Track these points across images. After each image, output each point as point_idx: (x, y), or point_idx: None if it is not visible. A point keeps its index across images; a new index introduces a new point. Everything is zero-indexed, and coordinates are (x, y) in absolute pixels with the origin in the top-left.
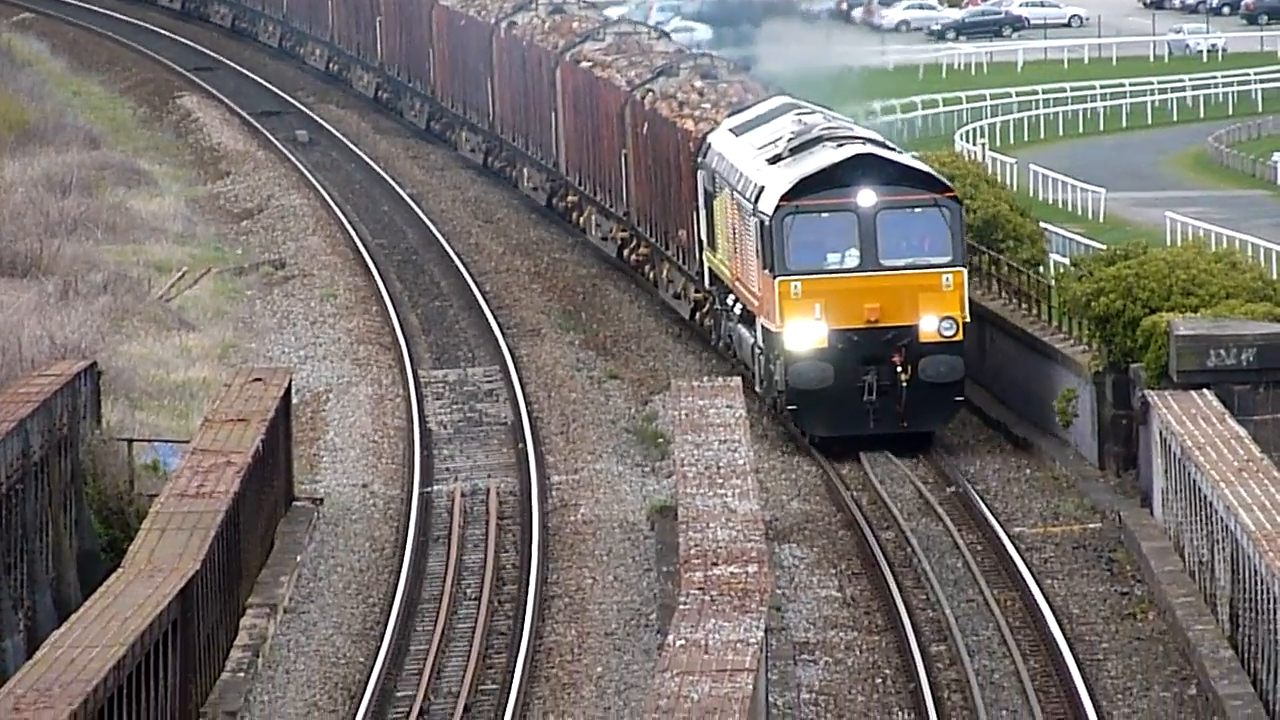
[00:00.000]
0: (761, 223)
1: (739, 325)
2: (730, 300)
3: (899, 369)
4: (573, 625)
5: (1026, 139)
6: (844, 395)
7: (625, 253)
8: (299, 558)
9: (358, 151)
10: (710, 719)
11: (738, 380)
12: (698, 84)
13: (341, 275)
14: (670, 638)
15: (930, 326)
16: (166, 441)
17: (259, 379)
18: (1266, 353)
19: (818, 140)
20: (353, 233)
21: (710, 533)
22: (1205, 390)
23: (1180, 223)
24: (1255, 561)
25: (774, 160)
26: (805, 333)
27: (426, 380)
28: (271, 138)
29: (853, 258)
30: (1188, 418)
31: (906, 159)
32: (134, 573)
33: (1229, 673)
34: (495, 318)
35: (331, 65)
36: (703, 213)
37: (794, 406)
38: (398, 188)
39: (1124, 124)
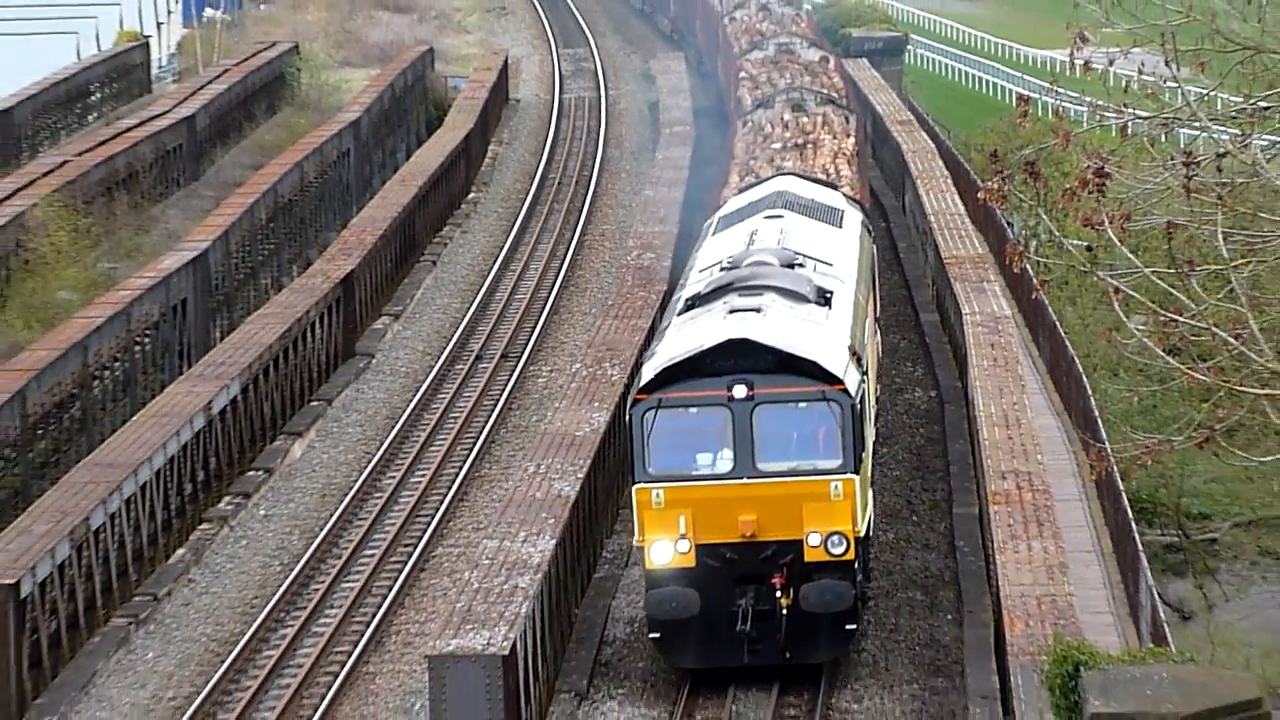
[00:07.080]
0: (628, 415)
1: None
2: None
3: (778, 592)
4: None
5: None
6: (714, 623)
7: None
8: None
9: None
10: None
11: None
12: (786, 117)
13: None
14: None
15: (816, 543)
16: (460, 77)
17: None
18: None
19: (725, 290)
20: None
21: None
22: None
23: None
24: None
25: (688, 307)
26: (668, 550)
27: None
28: None
29: (725, 461)
30: None
31: (791, 343)
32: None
33: None
34: None
35: None
36: None
37: (656, 635)
38: None
39: None
